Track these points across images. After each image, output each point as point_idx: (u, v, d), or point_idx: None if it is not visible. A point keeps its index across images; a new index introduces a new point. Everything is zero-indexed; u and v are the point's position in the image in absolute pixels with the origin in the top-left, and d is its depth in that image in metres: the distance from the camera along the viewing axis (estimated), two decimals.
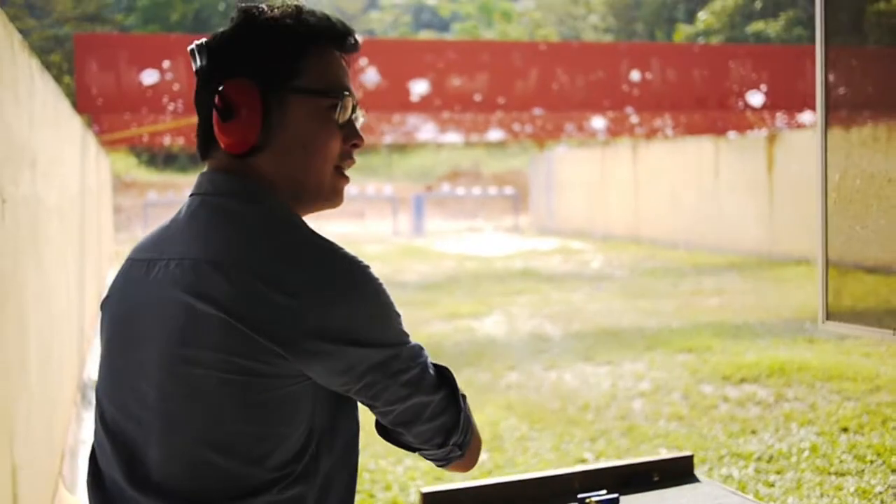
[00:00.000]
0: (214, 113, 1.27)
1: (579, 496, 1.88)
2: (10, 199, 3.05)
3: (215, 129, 1.27)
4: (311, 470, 1.24)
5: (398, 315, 1.26)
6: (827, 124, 2.22)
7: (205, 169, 1.34)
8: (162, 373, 1.21)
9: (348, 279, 1.21)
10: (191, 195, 1.32)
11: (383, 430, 1.34)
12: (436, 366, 1.31)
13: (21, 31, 3.68)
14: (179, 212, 1.32)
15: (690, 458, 2.07)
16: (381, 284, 1.25)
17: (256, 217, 1.25)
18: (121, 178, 24.55)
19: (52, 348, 4.13)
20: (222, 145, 1.28)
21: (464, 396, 1.35)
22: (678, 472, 2.03)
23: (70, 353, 5.37)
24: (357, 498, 4.37)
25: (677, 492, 1.95)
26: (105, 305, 1.36)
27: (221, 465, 1.19)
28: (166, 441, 1.21)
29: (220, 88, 1.26)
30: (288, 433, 1.21)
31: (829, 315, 2.23)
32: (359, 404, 1.31)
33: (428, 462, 4.94)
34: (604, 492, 1.89)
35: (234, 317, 1.16)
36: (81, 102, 9.53)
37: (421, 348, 1.29)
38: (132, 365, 1.26)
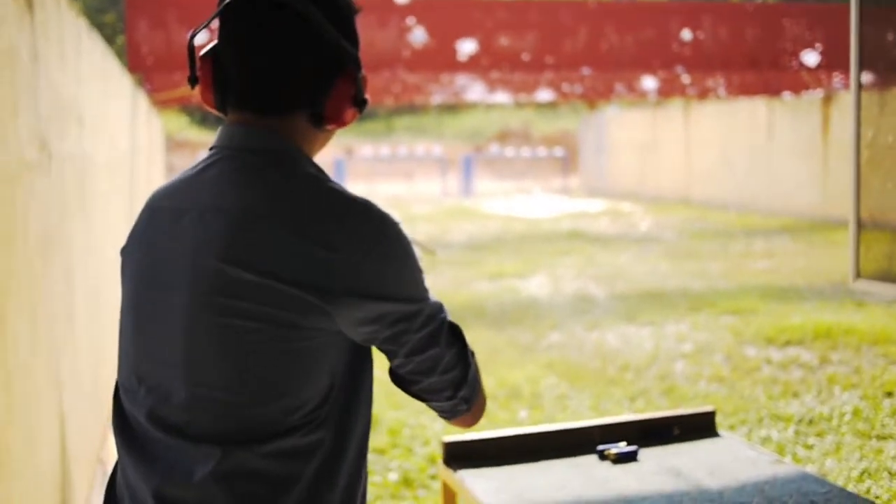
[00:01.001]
0: (341, 88, 1.32)
1: (599, 448, 1.92)
2: (57, 154, 3.13)
3: (334, 104, 1.32)
4: (331, 416, 1.28)
5: (422, 272, 1.31)
6: (860, 83, 2.19)
7: (232, 120, 1.34)
8: (192, 319, 1.25)
9: (383, 235, 1.25)
10: (217, 147, 1.33)
11: (397, 379, 1.38)
12: (452, 323, 1.35)
13: None
14: (206, 162, 1.33)
15: (712, 413, 2.09)
16: (409, 242, 1.30)
17: (289, 172, 1.27)
18: (173, 137, 24.84)
19: (98, 302, 4.24)
20: (335, 121, 1.33)
21: (472, 353, 1.40)
22: (699, 426, 2.06)
23: (117, 307, 5.50)
24: (395, 452, 4.47)
25: (696, 445, 1.98)
26: (126, 252, 1.38)
27: (246, 410, 1.23)
28: (192, 384, 1.25)
29: (361, 75, 1.33)
30: (312, 382, 1.25)
31: (860, 273, 2.22)
32: (373, 359, 1.36)
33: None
34: (623, 444, 1.93)
35: (269, 273, 1.20)
36: (132, 61, 9.65)
37: (441, 305, 1.34)
38: (161, 311, 1.29)
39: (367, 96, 1.35)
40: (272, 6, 1.28)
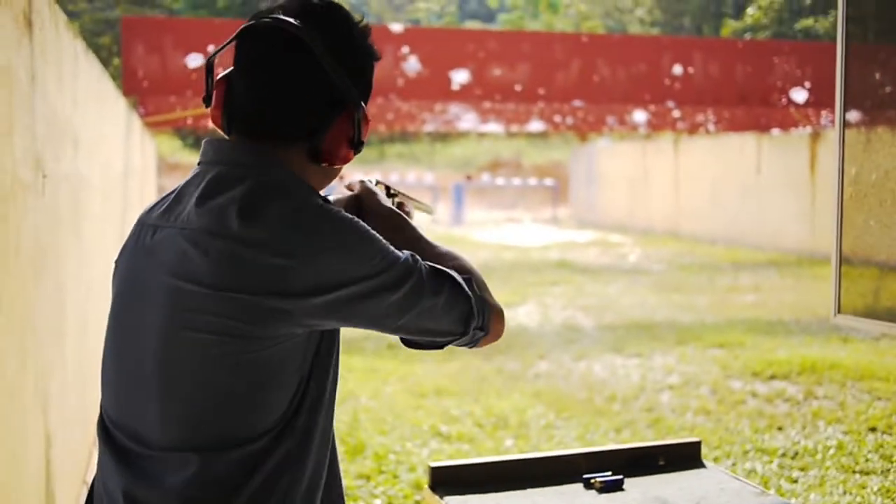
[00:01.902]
0: (340, 127, 1.35)
1: (585, 476, 1.93)
2: (52, 175, 3.15)
3: (330, 141, 1.35)
4: (296, 422, 1.31)
5: (379, 238, 1.32)
6: (844, 120, 2.24)
7: (220, 137, 1.39)
8: (162, 335, 1.29)
9: (332, 229, 1.28)
10: (201, 163, 1.37)
11: (409, 343, 1.42)
12: (433, 267, 1.37)
13: (72, 13, 3.79)
14: (188, 178, 1.37)
15: (698, 443, 2.10)
16: (352, 219, 1.31)
17: (259, 183, 1.30)
18: (165, 160, 24.86)
19: (88, 323, 4.25)
20: (330, 158, 1.36)
21: (469, 280, 1.41)
22: (685, 456, 2.07)
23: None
24: (381, 478, 4.46)
25: (682, 476, 1.99)
26: (116, 264, 1.43)
27: (214, 421, 1.27)
28: (164, 400, 1.29)
29: (360, 118, 1.36)
30: (278, 389, 1.28)
31: (841, 308, 2.25)
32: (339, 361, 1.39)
33: (452, 445, 4.97)
34: (609, 473, 1.94)
35: (226, 286, 1.24)
36: (127, 84, 9.69)
37: (413, 258, 1.35)
38: (134, 328, 1.34)
39: (365, 138, 1.39)
40: (284, 38, 1.32)
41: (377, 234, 1.32)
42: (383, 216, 1.51)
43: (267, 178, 1.31)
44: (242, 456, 1.27)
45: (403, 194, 1.71)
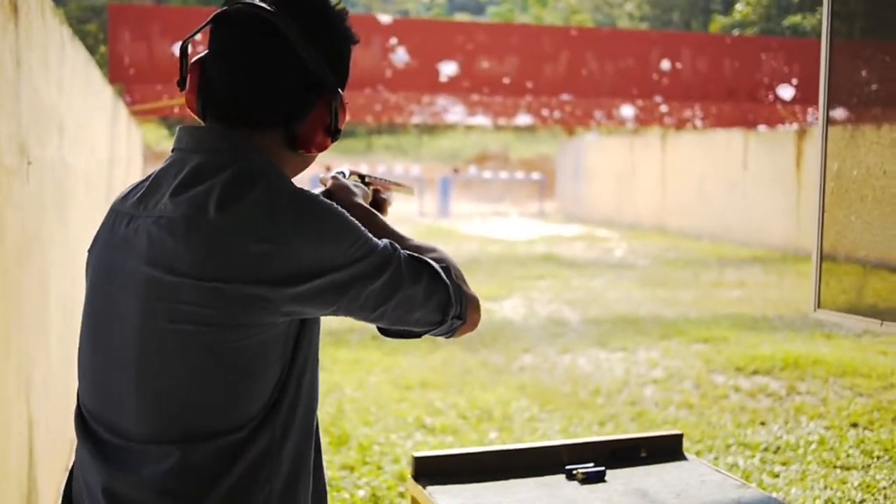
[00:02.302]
0: (316, 114, 1.34)
1: (567, 467, 1.95)
2: (37, 161, 3.13)
3: (306, 127, 1.35)
4: (277, 412, 1.31)
5: (359, 226, 1.32)
6: (828, 116, 2.25)
7: (195, 125, 1.38)
8: (139, 326, 1.28)
9: (311, 215, 1.28)
10: (175, 150, 1.36)
11: (386, 332, 1.42)
12: (411, 255, 1.37)
13: (58, 0, 3.76)
14: (163, 165, 1.36)
15: (679, 436, 2.12)
16: (332, 206, 1.31)
17: (237, 171, 1.29)
18: (151, 148, 24.76)
19: (74, 312, 4.23)
20: (306, 145, 1.36)
21: (446, 269, 1.42)
22: (666, 449, 2.09)
23: None
24: (365, 469, 4.47)
25: (663, 468, 2.01)
26: (89, 252, 1.41)
27: (193, 412, 1.26)
28: (141, 391, 1.28)
29: (337, 105, 1.35)
30: (259, 379, 1.28)
31: (821, 303, 2.27)
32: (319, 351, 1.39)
33: (436, 437, 4.98)
34: (591, 464, 1.95)
35: (205, 275, 1.23)
36: (113, 72, 9.65)
37: (392, 246, 1.35)
38: (110, 319, 1.32)
39: (342, 125, 1.38)
40: (258, 23, 1.31)
41: (357, 222, 1.32)
42: (354, 211, 1.50)
43: (246, 165, 1.30)
44: (222, 447, 1.26)
45: (379, 180, 1.70)
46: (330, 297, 1.28)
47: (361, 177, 1.66)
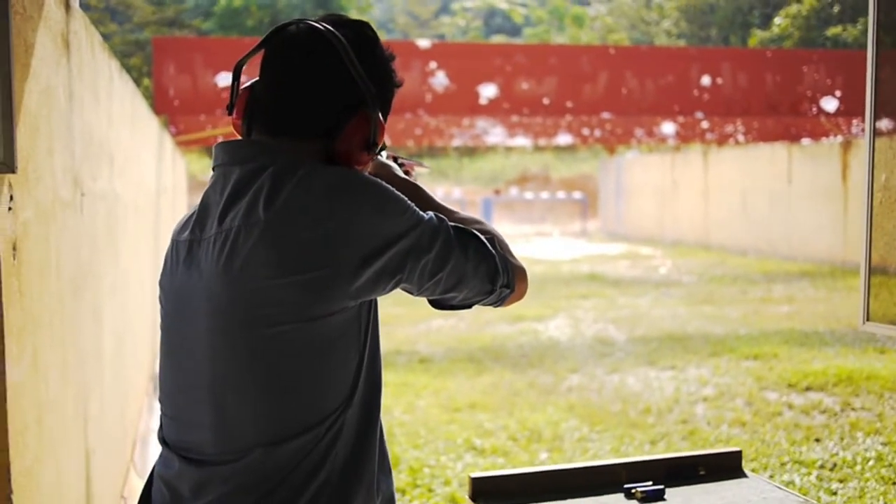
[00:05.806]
0: (355, 127, 1.36)
1: (626, 486, 1.92)
2: (89, 193, 3.19)
3: (345, 140, 1.36)
4: (354, 398, 1.32)
5: (406, 199, 1.33)
6: (874, 127, 2.22)
7: (231, 139, 1.40)
8: (215, 342, 1.29)
9: (359, 194, 1.28)
10: (217, 166, 1.38)
11: (437, 303, 1.44)
12: (458, 227, 1.39)
13: (103, 35, 3.83)
14: (209, 184, 1.38)
15: (739, 453, 2.08)
16: (379, 182, 1.32)
17: (280, 171, 1.30)
18: (196, 178, 25.09)
19: (125, 340, 4.29)
20: (344, 158, 1.36)
21: (491, 239, 1.44)
22: (725, 466, 2.05)
23: (143, 344, 5.55)
24: (416, 492, 4.46)
25: (722, 485, 1.98)
26: (160, 286, 1.44)
27: (280, 414, 1.27)
28: (219, 405, 1.29)
29: (376, 119, 1.36)
30: (342, 366, 1.30)
31: (871, 316, 2.23)
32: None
33: (487, 458, 4.95)
34: (650, 483, 1.93)
35: (279, 272, 1.24)
36: (159, 103, 9.81)
37: (438, 217, 1.36)
38: (189, 343, 1.34)
39: (380, 141, 1.39)
40: (311, 40, 1.34)
41: (403, 196, 1.34)
42: (400, 186, 1.51)
43: (284, 162, 1.31)
44: (306, 441, 1.28)
45: (406, 160, 1.75)
46: (392, 268, 1.29)
47: (394, 158, 1.70)
